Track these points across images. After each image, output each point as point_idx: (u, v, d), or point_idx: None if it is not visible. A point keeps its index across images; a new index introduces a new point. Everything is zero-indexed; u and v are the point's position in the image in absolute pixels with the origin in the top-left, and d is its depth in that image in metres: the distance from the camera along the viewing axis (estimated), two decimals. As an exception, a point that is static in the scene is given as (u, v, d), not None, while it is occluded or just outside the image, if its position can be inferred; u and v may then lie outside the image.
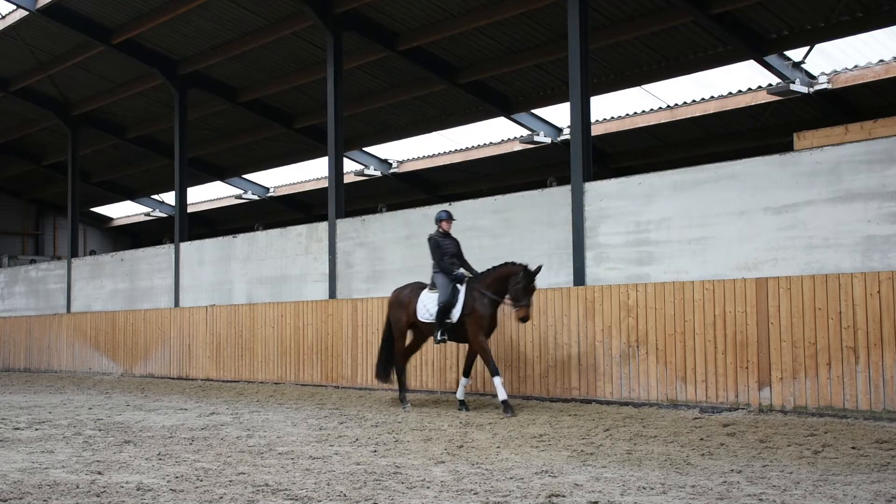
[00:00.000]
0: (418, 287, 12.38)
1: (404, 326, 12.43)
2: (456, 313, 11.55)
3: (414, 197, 25.55)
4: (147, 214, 31.86)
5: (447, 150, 23.74)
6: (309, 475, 6.84)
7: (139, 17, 18.78)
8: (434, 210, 14.68)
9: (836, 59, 16.37)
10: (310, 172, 26.87)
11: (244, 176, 28.27)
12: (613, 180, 12.37)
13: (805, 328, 10.08)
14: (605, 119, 19.99)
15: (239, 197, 28.72)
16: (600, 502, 5.76)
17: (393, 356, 12.59)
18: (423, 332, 12.36)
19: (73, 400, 14.45)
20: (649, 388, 11.38)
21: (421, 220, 14.77)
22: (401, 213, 15.42)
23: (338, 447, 8.42)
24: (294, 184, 28.10)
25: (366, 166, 24.70)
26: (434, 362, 13.94)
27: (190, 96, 20.92)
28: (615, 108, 19.68)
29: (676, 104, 18.86)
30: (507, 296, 11.29)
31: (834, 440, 8.28)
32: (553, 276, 12.46)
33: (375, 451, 8.08)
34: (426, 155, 24.37)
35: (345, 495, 6.05)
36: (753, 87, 17.46)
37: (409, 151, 24.66)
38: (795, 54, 16.13)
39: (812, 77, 16.45)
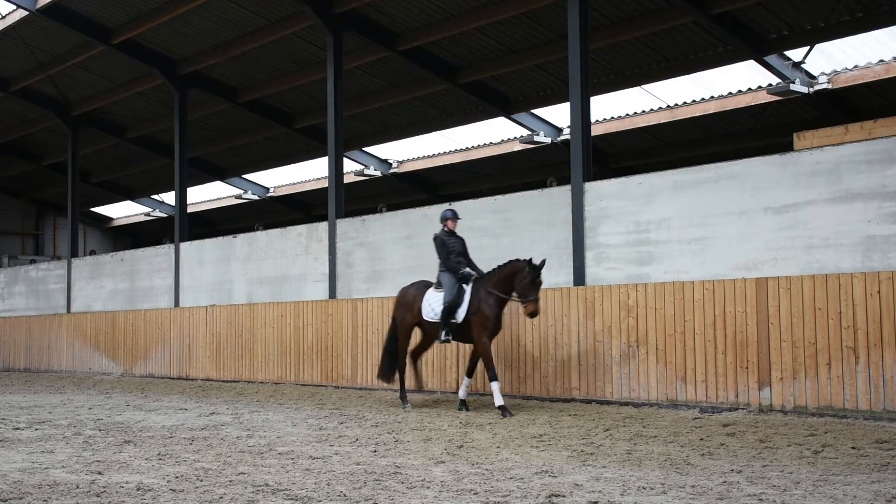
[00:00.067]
0: (424, 286, 12.28)
1: (409, 326, 12.34)
2: (461, 313, 11.47)
3: (414, 197, 25.55)
4: (147, 214, 31.86)
5: (447, 150, 23.74)
6: (309, 475, 6.84)
7: (139, 17, 18.78)
8: (434, 210, 14.69)
9: (836, 59, 16.37)
10: (310, 172, 26.88)
11: (244, 176, 28.28)
12: (613, 180, 12.37)
13: (805, 328, 10.08)
14: (605, 119, 19.99)
15: (239, 197, 28.73)
16: (600, 502, 5.76)
17: (397, 356, 12.52)
18: (428, 331, 12.28)
19: (73, 400, 14.45)
20: (649, 388, 11.38)
21: (421, 220, 14.77)
22: (401, 213, 15.42)
23: (338, 447, 8.42)
24: (294, 184, 28.10)
25: (366, 166, 24.70)
26: (434, 362, 13.94)
27: (190, 96, 20.92)
28: (615, 108, 19.69)
29: (676, 104, 18.86)
30: (514, 293, 11.25)
31: (834, 440, 8.28)
32: (553, 276, 12.45)
33: (375, 451, 8.08)
34: (426, 155, 24.37)
35: (345, 495, 6.05)
36: (753, 87, 17.46)
37: (409, 151, 24.67)
38: (795, 54, 16.13)
39: (812, 77, 16.45)
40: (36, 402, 14.10)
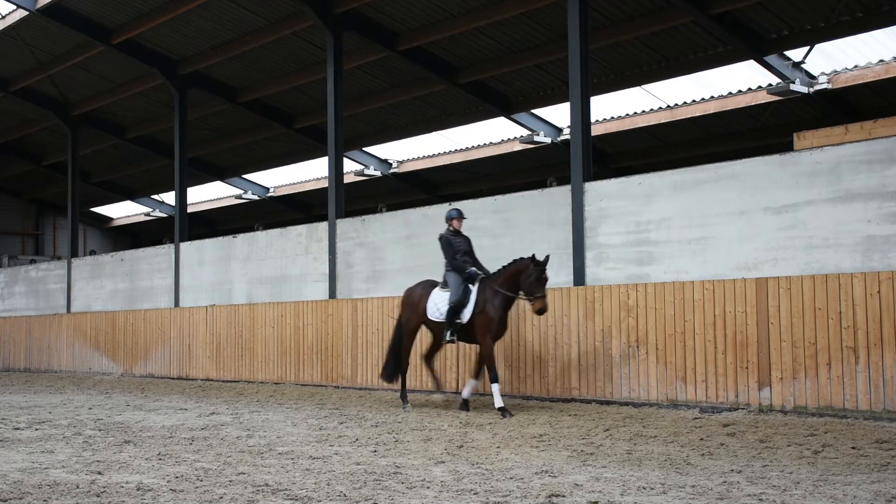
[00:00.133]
0: (430, 285, 12.19)
1: (414, 326, 12.28)
2: (467, 313, 11.41)
3: (414, 197, 25.55)
4: (147, 214, 31.87)
5: (447, 150, 23.74)
6: (309, 475, 6.84)
7: (139, 17, 18.78)
8: (434, 210, 14.70)
9: (836, 59, 16.37)
10: (310, 172, 26.88)
11: (244, 176, 28.28)
12: (613, 180, 12.37)
13: (805, 328, 10.08)
14: (605, 119, 19.99)
15: (239, 197, 28.73)
16: (600, 502, 5.76)
17: (401, 357, 12.45)
18: (435, 331, 12.14)
19: (73, 400, 14.45)
20: (649, 388, 11.38)
21: (421, 220, 14.77)
22: (401, 213, 15.42)
23: (338, 447, 8.42)
24: (294, 184, 28.10)
25: (366, 166, 24.70)
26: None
27: (190, 96, 20.92)
28: (615, 108, 19.69)
29: (676, 104, 18.86)
30: (520, 291, 11.21)
31: (834, 440, 8.28)
32: (553, 276, 12.43)
33: (375, 451, 8.08)
34: (426, 155, 24.38)
35: (345, 495, 6.05)
36: (753, 87, 17.46)
37: (409, 151, 24.68)
38: (795, 54, 16.13)
39: (812, 77, 16.45)
40: (36, 402, 14.10)
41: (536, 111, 20.36)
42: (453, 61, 18.66)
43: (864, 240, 9.83)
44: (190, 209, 24.26)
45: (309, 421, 10.73)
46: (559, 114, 20.23)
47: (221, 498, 5.99)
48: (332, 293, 16.07)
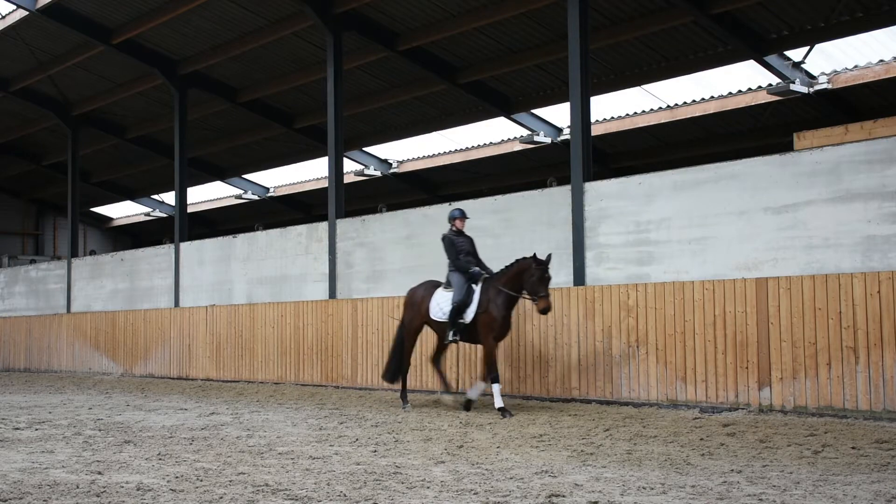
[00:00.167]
0: (433, 286, 12.15)
1: (416, 328, 12.25)
2: (470, 313, 11.36)
3: (414, 197, 25.55)
4: (147, 214, 31.87)
5: (447, 150, 23.74)
6: (309, 475, 6.84)
7: (139, 17, 18.78)
8: (434, 210, 14.70)
9: (836, 59, 16.38)
10: (310, 172, 26.88)
11: (244, 176, 28.28)
12: (613, 180, 12.37)
13: (805, 328, 10.08)
14: (605, 119, 19.99)
15: (239, 197, 28.73)
16: (600, 502, 5.76)
17: (403, 358, 12.38)
18: (438, 332, 12.07)
19: (73, 400, 14.45)
20: (649, 388, 11.38)
21: (421, 220, 14.77)
22: (401, 213, 15.42)
23: (338, 447, 8.42)
24: (294, 184, 28.10)
25: (366, 166, 24.70)
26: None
27: (190, 96, 20.92)
28: (615, 108, 19.70)
29: (676, 104, 18.86)
30: (524, 291, 11.16)
31: (834, 440, 8.28)
32: (553, 276, 12.37)
33: (375, 451, 8.08)
34: (426, 155, 24.38)
35: (345, 495, 6.05)
36: (753, 87, 17.46)
37: (409, 151, 24.68)
38: (795, 54, 16.13)
39: (812, 77, 16.45)
40: (36, 402, 14.10)
41: (536, 111, 20.37)
42: (453, 61, 18.66)
43: (864, 240, 9.83)
44: (190, 209, 24.27)
45: (309, 421, 10.73)
46: (559, 114, 20.23)
47: (221, 498, 5.99)
48: (332, 293, 16.07)
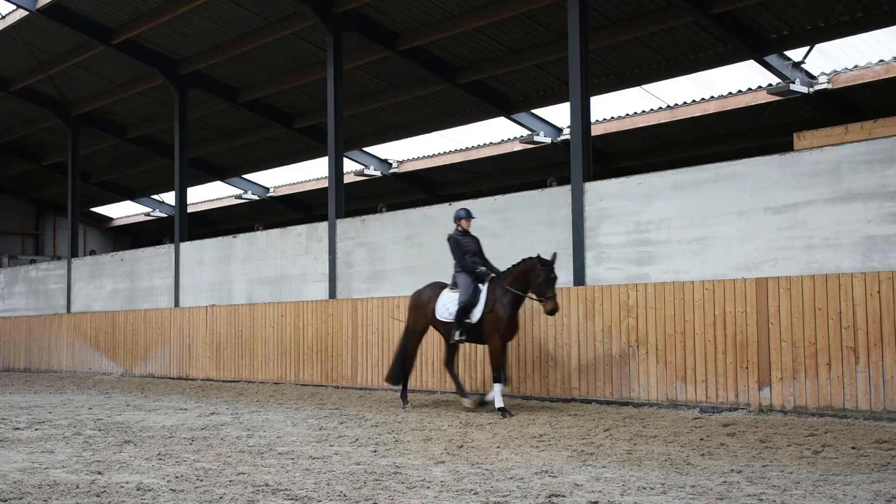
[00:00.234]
0: (439, 287, 12.09)
1: (421, 329, 12.21)
2: (477, 313, 11.31)
3: (414, 197, 25.55)
4: (147, 214, 31.87)
5: (447, 150, 23.74)
6: (309, 475, 6.84)
7: (139, 17, 18.78)
8: (434, 210, 14.70)
9: (836, 59, 16.38)
10: (310, 172, 26.88)
11: (244, 176, 28.28)
12: (613, 180, 12.37)
13: (805, 328, 10.08)
14: (605, 119, 19.99)
15: (239, 197, 28.73)
16: (600, 502, 5.76)
17: (406, 360, 12.33)
18: (445, 333, 11.94)
19: (73, 400, 14.45)
20: (649, 388, 11.38)
21: (421, 220, 14.77)
22: (401, 213, 15.41)
23: (338, 447, 8.42)
24: (294, 184, 28.10)
25: (366, 166, 24.71)
26: (434, 362, 13.92)
27: (190, 96, 20.92)
28: (615, 108, 19.70)
29: (676, 104, 18.86)
30: (530, 292, 11.10)
31: (834, 440, 8.28)
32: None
33: (375, 451, 8.08)
34: (426, 155, 24.38)
35: (345, 495, 6.05)
36: (753, 87, 17.46)
37: (409, 151, 24.68)
38: (795, 54, 16.13)
39: (812, 77, 16.45)
40: (36, 402, 14.10)
41: (536, 111, 20.37)
42: (453, 61, 18.66)
43: (864, 240, 9.83)
44: (190, 209, 24.26)
45: (309, 421, 10.73)
46: (559, 114, 20.23)
47: (221, 498, 5.99)
48: (332, 293, 16.07)
